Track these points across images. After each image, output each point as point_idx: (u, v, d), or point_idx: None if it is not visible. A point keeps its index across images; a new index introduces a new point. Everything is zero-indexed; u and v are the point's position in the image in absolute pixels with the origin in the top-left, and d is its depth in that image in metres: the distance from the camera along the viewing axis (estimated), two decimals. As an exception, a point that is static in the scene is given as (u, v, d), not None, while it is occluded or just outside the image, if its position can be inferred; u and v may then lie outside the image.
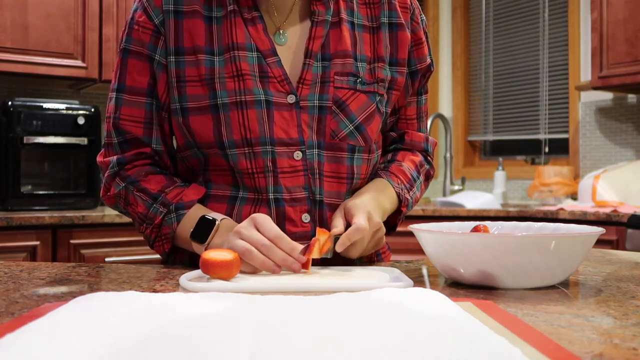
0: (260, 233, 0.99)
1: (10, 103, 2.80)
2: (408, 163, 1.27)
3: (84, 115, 2.90)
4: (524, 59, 3.98)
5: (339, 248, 1.03)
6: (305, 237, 1.13)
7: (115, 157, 1.18)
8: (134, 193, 1.16)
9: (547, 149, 3.87)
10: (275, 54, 1.14)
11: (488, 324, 0.62)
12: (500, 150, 4.21)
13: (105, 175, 1.20)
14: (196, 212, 1.12)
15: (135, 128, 1.17)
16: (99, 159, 1.22)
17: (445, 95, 4.36)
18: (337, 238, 1.05)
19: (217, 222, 1.08)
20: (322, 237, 1.01)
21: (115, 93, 1.18)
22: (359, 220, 1.05)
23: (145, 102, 1.17)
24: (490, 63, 4.17)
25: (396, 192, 1.20)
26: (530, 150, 3.98)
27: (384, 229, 1.14)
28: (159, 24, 1.14)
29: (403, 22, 1.22)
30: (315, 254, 1.00)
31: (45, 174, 2.93)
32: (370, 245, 1.11)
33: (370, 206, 1.10)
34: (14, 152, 2.80)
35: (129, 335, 0.57)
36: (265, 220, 1.00)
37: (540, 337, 0.58)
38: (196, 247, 1.10)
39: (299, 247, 0.99)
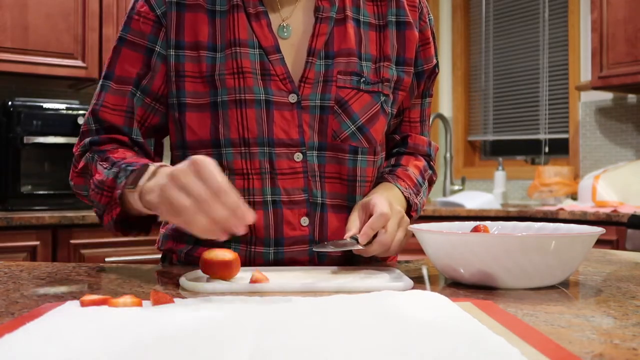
0: (202, 182, 0.83)
1: (10, 103, 2.80)
2: (413, 168, 1.24)
3: (84, 115, 2.89)
4: (524, 59, 3.98)
5: (362, 239, 1.00)
6: (304, 241, 1.11)
7: (88, 139, 1.12)
8: (98, 163, 1.06)
9: (547, 149, 3.87)
10: (278, 51, 1.11)
11: (488, 324, 0.62)
12: (500, 150, 4.20)
13: (75, 154, 1.12)
14: (145, 166, 0.96)
15: (116, 117, 1.12)
16: (74, 149, 1.14)
17: (445, 95, 4.36)
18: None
19: (150, 166, 0.95)
20: None
21: (102, 80, 1.15)
22: (380, 207, 1.01)
23: (129, 91, 1.12)
24: (490, 63, 4.17)
25: (405, 196, 1.16)
26: (530, 150, 3.97)
27: (407, 219, 1.08)
28: (160, 15, 1.11)
29: (411, 20, 1.19)
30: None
31: (45, 174, 2.93)
32: (400, 234, 1.05)
33: (388, 197, 1.07)
34: (14, 152, 2.80)
35: (129, 336, 0.58)
36: (207, 164, 0.84)
37: (540, 337, 0.58)
38: (133, 200, 0.94)
39: (244, 206, 0.83)
